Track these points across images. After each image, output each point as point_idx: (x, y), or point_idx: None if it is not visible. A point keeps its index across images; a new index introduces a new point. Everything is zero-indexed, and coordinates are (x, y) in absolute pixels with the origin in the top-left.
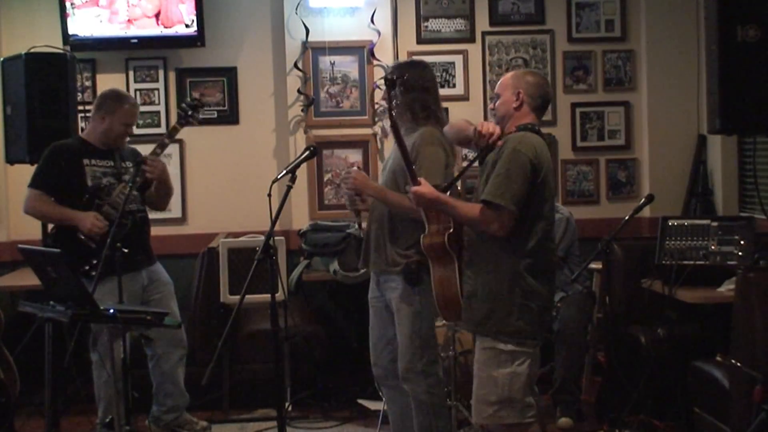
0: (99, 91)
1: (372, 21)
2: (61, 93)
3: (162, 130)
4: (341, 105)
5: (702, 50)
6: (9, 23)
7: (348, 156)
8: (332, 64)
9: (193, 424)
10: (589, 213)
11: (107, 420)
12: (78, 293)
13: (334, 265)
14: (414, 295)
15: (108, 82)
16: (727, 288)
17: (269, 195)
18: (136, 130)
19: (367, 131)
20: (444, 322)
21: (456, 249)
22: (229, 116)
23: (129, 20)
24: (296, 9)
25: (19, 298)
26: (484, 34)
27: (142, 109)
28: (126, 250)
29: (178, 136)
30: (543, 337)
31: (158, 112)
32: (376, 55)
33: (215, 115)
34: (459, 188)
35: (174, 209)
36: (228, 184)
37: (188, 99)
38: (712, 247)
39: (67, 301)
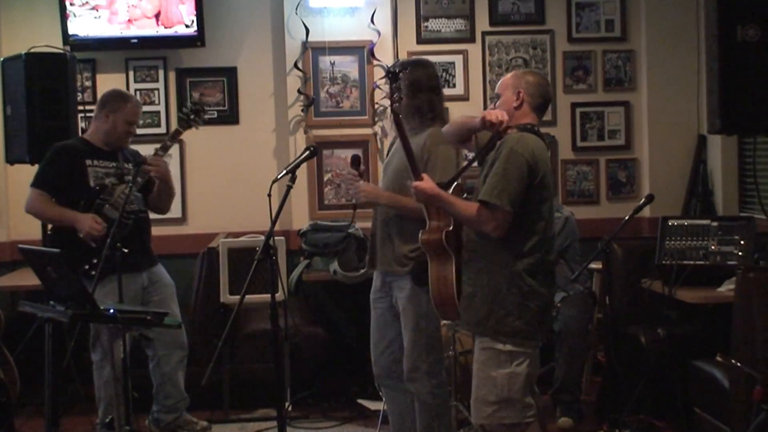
0: (99, 91)
1: (372, 21)
2: (61, 93)
3: (162, 130)
4: (341, 105)
5: (702, 50)
6: (9, 23)
7: (348, 156)
8: (332, 64)
9: (193, 425)
10: (589, 213)
11: (107, 420)
12: (78, 293)
13: (334, 265)
14: (421, 295)
15: (108, 82)
16: (727, 288)
17: (269, 195)
18: (136, 131)
19: (367, 131)
20: (444, 322)
21: (454, 247)
22: (229, 116)
23: (129, 20)
24: (296, 9)
25: (19, 298)
26: (484, 34)
27: (142, 109)
28: (126, 250)
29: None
30: (543, 338)
31: (158, 113)
32: (376, 55)
33: (215, 115)
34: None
35: (174, 209)
36: (228, 184)
37: (189, 103)
38: (712, 247)
39: (67, 301)
